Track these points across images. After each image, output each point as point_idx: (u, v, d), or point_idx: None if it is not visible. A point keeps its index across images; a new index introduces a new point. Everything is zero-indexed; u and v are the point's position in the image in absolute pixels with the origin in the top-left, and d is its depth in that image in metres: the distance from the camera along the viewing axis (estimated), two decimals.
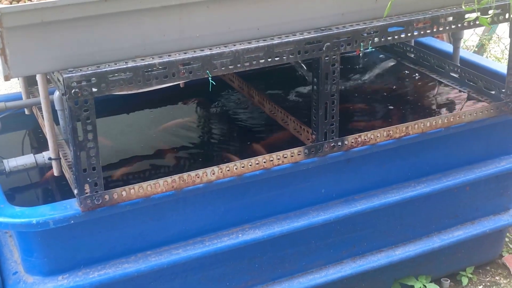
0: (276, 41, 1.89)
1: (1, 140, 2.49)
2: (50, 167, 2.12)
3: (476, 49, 4.13)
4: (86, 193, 1.82)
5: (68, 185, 2.03)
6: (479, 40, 4.18)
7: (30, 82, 2.51)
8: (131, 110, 2.76)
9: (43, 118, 2.33)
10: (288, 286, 2.29)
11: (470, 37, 4.22)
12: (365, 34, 2.00)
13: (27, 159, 2.13)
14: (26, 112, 2.51)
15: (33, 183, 2.36)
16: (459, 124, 2.30)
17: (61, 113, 2.10)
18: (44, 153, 2.13)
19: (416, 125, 2.23)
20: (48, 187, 2.35)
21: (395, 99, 2.73)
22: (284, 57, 1.92)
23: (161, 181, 1.91)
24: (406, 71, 2.92)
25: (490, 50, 4.15)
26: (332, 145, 2.11)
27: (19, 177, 2.26)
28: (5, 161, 2.13)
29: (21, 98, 2.52)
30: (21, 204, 1.93)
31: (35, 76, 2.56)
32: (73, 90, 1.68)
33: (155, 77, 1.77)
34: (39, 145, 2.53)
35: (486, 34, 4.19)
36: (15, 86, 4.41)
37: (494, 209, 2.63)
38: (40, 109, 2.41)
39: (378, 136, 2.18)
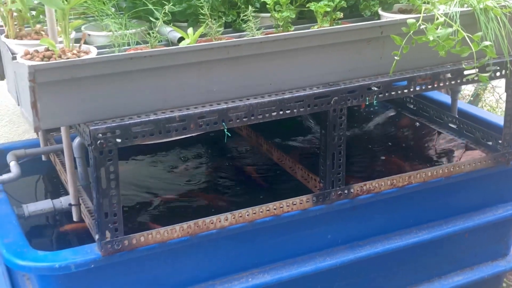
0: (287, 96, 2.01)
1: (18, 185, 2.57)
2: (67, 212, 2.21)
3: (472, 98, 4.27)
4: (107, 238, 1.90)
5: (82, 231, 2.13)
6: (475, 89, 4.33)
7: (48, 129, 2.62)
8: (139, 153, 2.87)
9: (61, 164, 2.44)
10: None
11: (466, 87, 4.37)
12: (371, 89, 2.12)
13: (45, 204, 2.22)
14: (43, 158, 2.61)
15: (49, 228, 2.44)
16: (458, 174, 2.41)
17: (80, 161, 2.21)
18: (61, 198, 2.22)
19: (418, 175, 2.34)
20: (63, 233, 2.44)
21: (397, 149, 2.85)
22: (294, 110, 2.04)
23: (177, 226, 2.00)
24: (407, 121, 3.04)
25: (485, 100, 4.29)
26: (339, 193, 2.21)
27: (36, 221, 2.35)
28: (24, 205, 2.22)
29: (37, 144, 2.62)
30: (37, 248, 2.01)
31: None
32: (98, 141, 1.79)
33: (175, 129, 1.88)
34: (54, 190, 2.62)
35: (481, 84, 4.34)
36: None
37: (492, 255, 2.72)
38: (57, 155, 2.51)
39: (382, 184, 2.29)
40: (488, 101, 4.29)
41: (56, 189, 2.63)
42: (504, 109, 2.44)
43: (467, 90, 4.38)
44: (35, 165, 2.68)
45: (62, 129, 2.06)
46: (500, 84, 3.99)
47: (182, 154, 2.88)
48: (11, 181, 2.30)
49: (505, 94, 2.42)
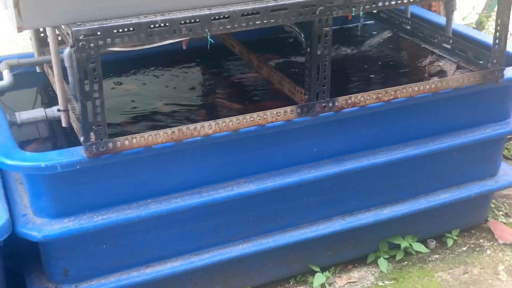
0: (271, 4, 2.02)
1: (13, 96, 2.62)
2: (59, 120, 2.26)
3: (475, 26, 4.22)
4: (92, 140, 1.96)
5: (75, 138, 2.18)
6: (478, 17, 4.27)
7: (41, 43, 2.65)
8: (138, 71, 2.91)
9: (53, 75, 2.48)
10: (280, 239, 2.44)
11: (469, 15, 4.31)
12: (357, 0, 2.12)
13: (38, 113, 2.28)
14: (37, 70, 2.65)
15: (42, 135, 2.50)
16: (446, 90, 2.41)
17: (70, 70, 2.23)
18: (53, 107, 2.27)
19: (405, 89, 2.35)
20: (56, 140, 2.50)
21: (389, 67, 2.86)
22: (279, 20, 2.04)
23: (161, 132, 2.04)
24: (401, 42, 3.03)
25: (488, 28, 4.24)
26: (323, 105, 2.24)
27: (29, 129, 2.40)
28: (17, 113, 2.27)
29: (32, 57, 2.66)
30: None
31: (46, 37, 2.71)
32: (80, 43, 1.82)
33: (157, 33, 1.90)
34: (49, 101, 2.67)
35: (485, 12, 4.28)
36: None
37: (480, 175, 2.75)
38: (51, 67, 2.55)
39: (368, 98, 2.30)
40: (491, 29, 4.22)
41: (51, 101, 2.67)
42: None
43: (471, 18, 4.32)
44: (31, 77, 2.73)
45: (49, 34, 2.09)
46: None
47: (175, 69, 2.91)
48: (4, 89, 2.36)
49: None
